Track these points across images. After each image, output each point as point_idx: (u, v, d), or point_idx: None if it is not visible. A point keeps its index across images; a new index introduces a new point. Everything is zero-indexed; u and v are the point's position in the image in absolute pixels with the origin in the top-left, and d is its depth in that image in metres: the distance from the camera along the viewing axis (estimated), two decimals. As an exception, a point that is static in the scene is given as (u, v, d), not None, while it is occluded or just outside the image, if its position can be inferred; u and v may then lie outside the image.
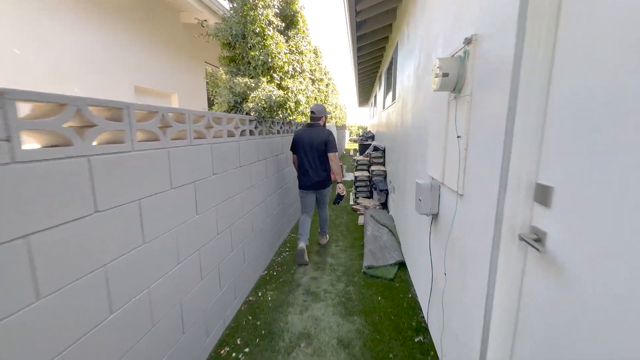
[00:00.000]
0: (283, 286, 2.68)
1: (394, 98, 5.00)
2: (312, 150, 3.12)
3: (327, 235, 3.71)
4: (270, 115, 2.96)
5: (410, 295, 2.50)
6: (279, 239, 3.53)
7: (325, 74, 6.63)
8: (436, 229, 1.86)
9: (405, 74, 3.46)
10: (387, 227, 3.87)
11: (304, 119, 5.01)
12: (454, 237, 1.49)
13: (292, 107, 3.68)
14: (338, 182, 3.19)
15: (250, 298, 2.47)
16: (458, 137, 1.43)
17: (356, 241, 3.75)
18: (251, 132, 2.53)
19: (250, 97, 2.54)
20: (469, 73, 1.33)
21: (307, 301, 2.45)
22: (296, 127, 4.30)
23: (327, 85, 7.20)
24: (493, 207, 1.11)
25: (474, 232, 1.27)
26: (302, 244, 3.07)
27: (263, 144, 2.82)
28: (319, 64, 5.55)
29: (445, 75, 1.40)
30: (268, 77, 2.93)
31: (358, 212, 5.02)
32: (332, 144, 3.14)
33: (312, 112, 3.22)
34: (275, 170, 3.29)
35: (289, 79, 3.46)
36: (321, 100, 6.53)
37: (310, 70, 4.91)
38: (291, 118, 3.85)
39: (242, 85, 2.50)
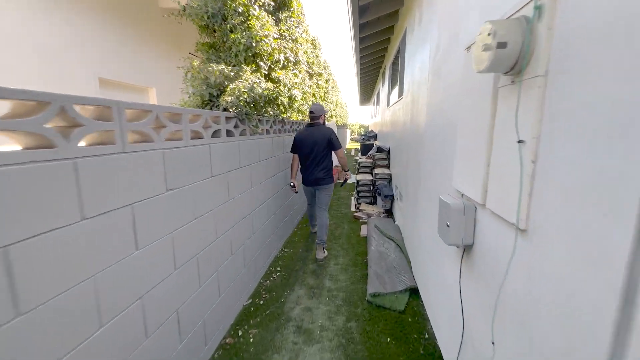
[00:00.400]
0: (270, 321, 2.19)
1: (400, 94, 4.50)
2: (315, 149, 3.08)
3: (325, 250, 3.27)
4: (256, 111, 2.47)
5: (426, 336, 2.01)
6: (269, 257, 3.04)
7: (324, 68, 6.12)
8: (471, 265, 1.36)
9: (417, 65, 2.97)
10: (394, 241, 3.38)
11: (301, 117, 4.52)
12: (511, 293, 1.00)
13: (285, 103, 3.19)
14: (346, 171, 3.31)
15: (228, 340, 1.99)
16: (519, 141, 0.93)
17: (359, 257, 3.26)
18: (229, 133, 2.04)
19: (228, 89, 2.04)
20: (545, 41, 0.84)
21: (298, 343, 1.97)
22: (291, 126, 3.80)
23: (326, 80, 6.69)
24: (615, 269, 0.61)
25: (564, 300, 0.77)
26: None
27: (246, 146, 2.32)
28: (317, 56, 5.05)
29: (501, 46, 0.90)
30: (253, 65, 2.44)
31: (360, 220, 4.53)
32: (336, 141, 3.15)
33: (311, 112, 3.19)
34: (264, 176, 2.80)
35: (280, 69, 2.96)
36: (320, 97, 6.03)
37: (308, 62, 4.42)
38: (284, 116, 3.36)
39: (217, 73, 2.00)
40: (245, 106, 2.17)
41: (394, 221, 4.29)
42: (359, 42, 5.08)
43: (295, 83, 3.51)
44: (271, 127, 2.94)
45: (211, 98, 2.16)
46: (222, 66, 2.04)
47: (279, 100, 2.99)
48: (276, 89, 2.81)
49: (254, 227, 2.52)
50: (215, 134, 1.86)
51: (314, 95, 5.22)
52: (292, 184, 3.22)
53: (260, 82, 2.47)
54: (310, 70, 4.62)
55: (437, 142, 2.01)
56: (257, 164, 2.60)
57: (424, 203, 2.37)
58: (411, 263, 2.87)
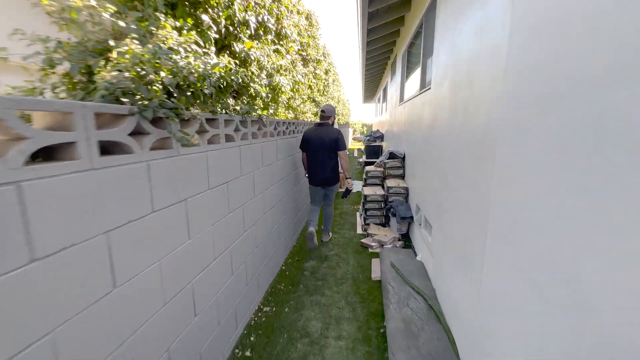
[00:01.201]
0: None
1: (423, 85, 3.43)
2: (322, 149, 3.12)
3: (330, 233, 3.69)
4: (204, 105, 1.42)
5: None
6: (238, 329, 1.99)
7: (324, 56, 5.03)
8: None
9: (464, 37, 1.90)
10: (422, 296, 2.32)
11: (292, 115, 3.46)
12: None
13: (264, 95, 2.14)
14: (347, 178, 3.30)
15: None
16: None
17: (372, 322, 2.21)
18: (112, 149, 0.98)
19: (114, 55, 0.98)
20: None
21: None
22: (276, 128, 2.73)
23: (326, 71, 5.60)
24: None
25: None
26: (311, 229, 3.12)
27: (169, 169, 1.26)
28: (314, 37, 3.96)
29: None
30: (189, 21, 1.37)
31: (370, 249, 3.47)
32: (342, 142, 3.14)
33: (322, 111, 3.20)
34: (224, 209, 1.73)
35: (250, 39, 1.90)
36: (319, 91, 4.96)
37: (301, 43, 3.34)
38: (264, 114, 2.29)
39: (86, 14, 0.94)
40: (161, 93, 1.10)
41: (415, 253, 3.23)
42: (366, 20, 4.01)
43: (281, 66, 2.44)
44: (237, 130, 1.87)
45: (90, 77, 1.09)
46: (92, 1, 0.97)
47: (251, 89, 1.94)
48: (242, 71, 1.75)
49: (196, 306, 1.46)
50: (54, 154, 0.80)
51: (310, 87, 4.14)
52: (307, 175, 3.34)
53: (209, 54, 1.41)
54: (304, 54, 3.54)
55: (560, 163, 0.95)
56: (205, 194, 1.53)
57: (505, 272, 1.30)
58: (457, 347, 1.81)
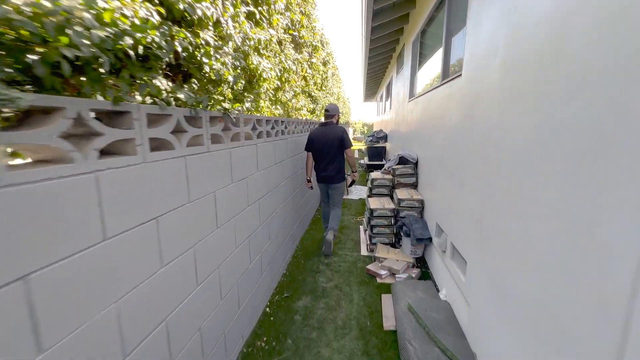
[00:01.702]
0: None
1: (446, 74, 2.73)
2: (327, 147, 3.10)
3: (335, 233, 3.28)
4: (66, 75, 0.73)
5: None
6: None
7: (321, 43, 4.30)
8: None
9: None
10: (459, 368, 1.62)
11: (280, 111, 2.77)
12: None
13: (231, 79, 1.44)
14: (354, 172, 3.40)
15: None
16: None
17: (388, 409, 1.52)
18: None
19: None
20: None
21: None
22: (254, 128, 2.03)
23: (324, 62, 4.88)
24: None
25: None
26: (328, 237, 3.16)
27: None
28: (308, 15, 3.23)
29: None
30: None
31: (378, 279, 2.78)
32: (347, 140, 3.13)
33: (326, 110, 3.15)
34: (153, 264, 1.04)
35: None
36: (315, 84, 4.25)
37: (292, 20, 2.64)
38: (235, 107, 1.59)
39: None
40: None
41: (437, 288, 2.54)
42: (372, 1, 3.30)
43: (260, 41, 1.74)
44: (178, 131, 1.18)
45: None
46: None
47: (207, 69, 1.25)
48: (181, 31, 1.05)
49: None
50: None
51: (304, 78, 3.43)
52: (308, 179, 3.29)
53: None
54: (295, 34, 2.83)
55: None
56: (98, 248, 0.84)
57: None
58: None
